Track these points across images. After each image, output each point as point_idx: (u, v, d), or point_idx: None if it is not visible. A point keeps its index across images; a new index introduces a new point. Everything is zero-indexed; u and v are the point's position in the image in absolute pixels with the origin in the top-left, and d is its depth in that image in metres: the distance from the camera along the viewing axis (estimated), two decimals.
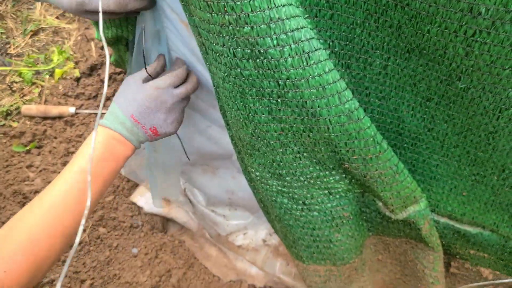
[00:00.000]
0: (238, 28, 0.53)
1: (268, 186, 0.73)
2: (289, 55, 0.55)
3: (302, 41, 0.55)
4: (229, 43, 0.55)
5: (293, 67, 0.56)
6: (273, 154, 0.67)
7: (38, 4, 2.31)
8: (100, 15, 0.64)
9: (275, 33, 0.53)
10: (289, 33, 0.54)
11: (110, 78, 1.53)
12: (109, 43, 0.97)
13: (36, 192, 1.21)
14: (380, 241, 0.86)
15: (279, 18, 0.53)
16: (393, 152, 0.67)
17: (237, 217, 1.07)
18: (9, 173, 1.26)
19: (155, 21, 0.75)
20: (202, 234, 1.13)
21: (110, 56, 1.16)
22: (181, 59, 0.78)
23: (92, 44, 1.73)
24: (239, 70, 0.58)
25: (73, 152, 1.31)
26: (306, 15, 0.60)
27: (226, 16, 0.53)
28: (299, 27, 0.55)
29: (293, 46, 0.55)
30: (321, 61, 0.56)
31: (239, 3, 0.51)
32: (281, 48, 0.54)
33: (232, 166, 0.97)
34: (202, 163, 1.00)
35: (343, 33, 0.61)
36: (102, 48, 1.67)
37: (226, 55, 0.57)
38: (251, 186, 0.82)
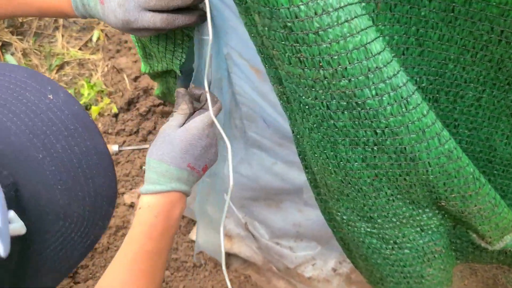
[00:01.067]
0: (334, 82, 0.51)
1: (356, 229, 0.70)
2: (388, 103, 0.52)
3: (400, 87, 0.52)
4: (322, 97, 0.53)
5: (392, 114, 0.53)
6: (364, 199, 0.64)
7: (59, 37, 2.31)
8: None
9: (373, 83, 0.50)
10: (387, 81, 0.51)
11: (149, 111, 1.51)
12: (156, 76, 0.95)
13: None
14: (467, 267, 0.83)
15: (376, 67, 0.50)
16: (490, 185, 0.63)
17: (303, 248, 1.05)
18: None
19: (218, 69, 0.72)
20: (268, 268, 1.11)
21: (155, 89, 1.14)
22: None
23: (125, 75, 1.72)
24: (332, 122, 0.55)
25: (123, 193, 1.30)
26: (393, 55, 0.57)
27: (321, 71, 0.50)
28: (395, 72, 0.52)
29: (391, 93, 0.51)
30: (419, 104, 0.53)
31: (336, 57, 0.48)
32: (379, 98, 0.51)
33: (298, 199, 0.95)
34: (266, 198, 0.98)
35: (433, 69, 0.58)
36: (135, 79, 1.65)
37: (318, 108, 0.54)
38: (331, 225, 0.79)
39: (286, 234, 1.03)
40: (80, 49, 2.21)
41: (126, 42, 2.04)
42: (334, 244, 1.04)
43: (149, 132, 1.48)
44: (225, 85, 0.74)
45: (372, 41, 0.49)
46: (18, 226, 0.36)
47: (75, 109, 0.42)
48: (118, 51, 2.05)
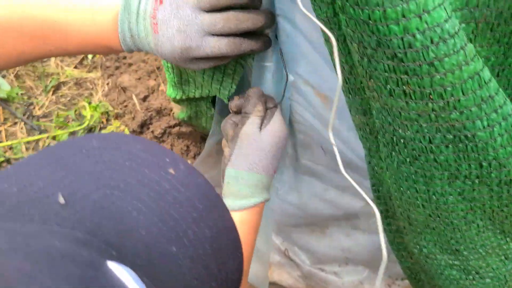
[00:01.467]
0: (443, 115, 0.45)
1: (435, 261, 0.65)
2: (498, 134, 0.47)
3: (510, 115, 0.47)
4: (426, 130, 0.48)
5: (501, 146, 0.48)
6: (453, 232, 0.59)
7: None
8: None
9: (485, 113, 0.46)
10: (498, 110, 0.46)
11: (164, 132, 1.44)
12: (185, 100, 0.87)
13: None
14: None
15: (489, 96, 0.45)
16: None
17: (350, 272, 1.00)
18: None
19: (276, 96, 0.67)
20: None
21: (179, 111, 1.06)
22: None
23: (133, 95, 1.64)
24: (432, 156, 0.50)
25: None
26: None
27: (430, 104, 0.45)
28: (504, 100, 0.47)
29: (502, 123, 0.47)
30: None
31: (449, 88, 0.43)
32: (491, 129, 0.46)
33: (345, 224, 0.90)
34: (309, 224, 0.92)
35: None
36: (144, 99, 1.58)
37: (417, 141, 0.49)
38: (398, 255, 0.74)
39: (330, 259, 0.97)
40: (75, 67, 2.11)
41: (125, 58, 1.95)
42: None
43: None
44: (285, 113, 0.68)
45: (483, 68, 0.44)
46: None
47: (199, 182, 0.36)
48: (117, 67, 1.96)
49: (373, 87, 0.48)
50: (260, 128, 0.63)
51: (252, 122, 0.63)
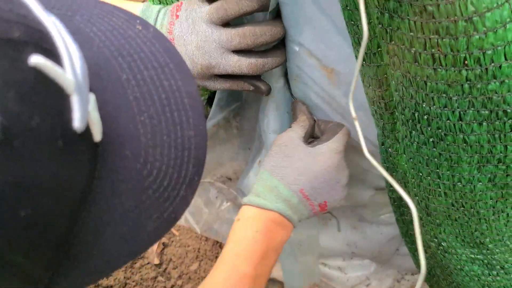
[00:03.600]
0: (479, 86, 0.38)
1: (455, 256, 0.58)
2: None
3: None
4: (456, 105, 0.40)
5: None
6: (478, 223, 0.52)
7: None
8: None
9: None
10: None
11: None
12: None
13: (109, 275, 1.02)
14: None
15: None
16: None
17: (355, 267, 0.93)
18: None
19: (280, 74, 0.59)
20: None
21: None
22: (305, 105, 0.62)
23: None
24: (461, 135, 0.42)
25: None
26: None
27: (464, 72, 0.37)
28: None
29: None
30: None
31: (490, 52, 0.36)
32: None
33: (352, 214, 0.82)
34: None
35: None
36: None
37: (444, 118, 0.42)
38: (412, 248, 0.67)
39: (334, 253, 0.90)
40: None
41: None
42: (393, 262, 0.92)
43: None
44: (286, 91, 0.60)
45: None
46: (95, 116, 0.27)
47: (167, 45, 0.33)
48: None
49: (393, 51, 0.40)
50: (305, 140, 0.59)
51: (292, 130, 0.60)
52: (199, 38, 0.53)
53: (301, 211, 0.58)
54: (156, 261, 1.05)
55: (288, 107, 0.66)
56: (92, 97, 0.27)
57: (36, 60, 0.23)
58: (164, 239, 1.08)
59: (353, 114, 0.33)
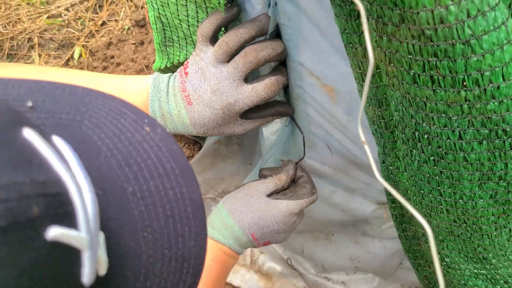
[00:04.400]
0: (478, 106, 0.38)
1: (459, 271, 0.58)
2: None
3: None
4: (456, 124, 0.40)
5: None
6: (481, 239, 0.52)
7: (36, 56, 2.13)
8: None
9: None
10: None
11: None
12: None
13: None
14: None
15: None
16: None
17: (359, 281, 0.92)
18: None
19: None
20: None
21: None
22: (291, 162, 0.67)
23: None
24: (461, 154, 0.43)
25: None
26: None
27: (463, 92, 0.38)
28: None
29: None
30: None
31: (488, 73, 0.36)
32: None
33: (354, 230, 0.82)
34: (313, 230, 0.85)
35: None
36: None
37: (444, 137, 0.42)
38: (415, 263, 0.67)
39: (337, 267, 0.90)
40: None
41: (112, 57, 1.88)
42: (396, 276, 0.92)
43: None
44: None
45: None
46: (103, 257, 0.27)
47: (173, 149, 0.33)
48: (105, 68, 1.88)
49: (392, 73, 0.40)
50: (270, 194, 0.64)
51: (266, 183, 0.65)
52: (212, 82, 0.54)
53: (247, 246, 0.67)
54: None
55: (286, 120, 0.67)
56: (101, 237, 0.27)
57: (54, 233, 0.23)
58: None
59: (363, 138, 0.34)
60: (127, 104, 0.34)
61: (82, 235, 0.25)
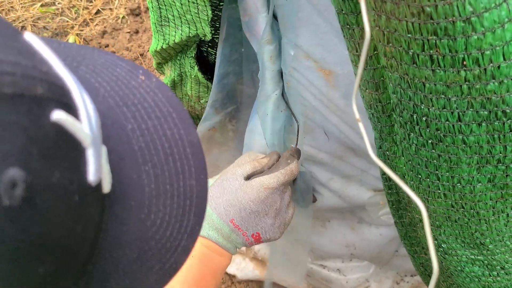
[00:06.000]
0: (478, 86, 0.38)
1: (455, 257, 0.58)
2: None
3: None
4: (455, 106, 0.40)
5: None
6: (478, 224, 0.52)
7: None
8: None
9: None
10: None
11: None
12: (168, 58, 0.78)
13: None
14: None
15: None
16: None
17: (354, 269, 0.92)
18: None
19: (274, 79, 0.58)
20: None
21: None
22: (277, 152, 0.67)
23: None
24: (460, 136, 0.42)
25: None
26: None
27: (463, 72, 0.37)
28: None
29: None
30: None
31: (488, 52, 0.35)
32: None
33: (351, 216, 0.82)
34: None
35: None
36: None
37: (443, 119, 0.41)
38: (411, 250, 0.67)
39: (333, 255, 0.90)
40: None
41: (107, 46, 1.86)
42: (392, 263, 0.92)
43: None
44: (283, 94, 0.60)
45: None
46: (106, 168, 0.28)
47: (169, 95, 0.34)
48: None
49: (391, 54, 0.40)
50: (248, 177, 0.64)
51: (242, 166, 0.64)
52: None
53: (234, 240, 0.63)
54: None
55: (281, 106, 0.66)
56: (104, 149, 0.28)
57: (59, 116, 0.24)
58: None
59: (357, 115, 0.33)
60: (122, 58, 0.35)
61: (85, 130, 0.25)
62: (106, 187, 0.28)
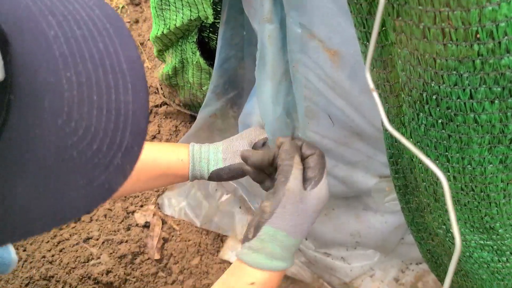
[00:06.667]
0: (491, 61, 0.36)
1: (464, 243, 0.57)
2: None
3: None
4: (466, 82, 0.38)
5: None
6: (488, 208, 0.50)
7: None
8: None
9: None
10: None
11: (150, 112, 1.33)
12: (169, 44, 0.76)
13: (109, 272, 1.00)
14: None
15: None
16: None
17: (359, 257, 0.91)
18: (65, 254, 1.05)
19: (280, 60, 0.57)
20: (319, 285, 0.96)
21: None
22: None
23: None
24: (472, 115, 0.41)
25: (133, 212, 1.11)
26: None
27: (476, 46, 0.35)
28: None
29: None
30: None
31: (503, 24, 0.34)
32: None
33: (356, 203, 0.81)
34: None
35: None
36: None
37: (454, 97, 0.40)
38: (418, 236, 0.66)
39: (337, 243, 0.89)
40: None
41: None
42: (397, 251, 0.91)
43: (153, 137, 1.30)
44: (289, 77, 0.58)
45: None
46: None
47: (109, 12, 0.32)
48: None
49: (400, 28, 0.38)
50: (304, 186, 0.59)
51: (296, 177, 0.58)
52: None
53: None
54: (157, 256, 1.03)
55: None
56: None
57: None
58: (164, 234, 1.06)
59: (371, 85, 0.32)
60: None
61: None
62: None
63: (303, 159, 0.60)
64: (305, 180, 0.59)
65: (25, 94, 0.28)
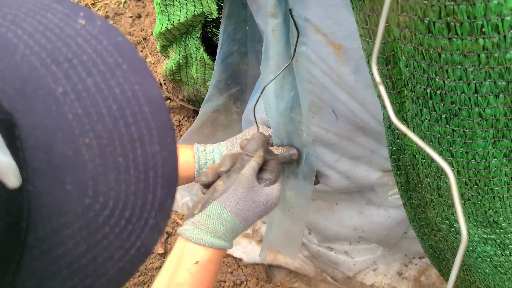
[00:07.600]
0: (496, 55, 0.36)
1: (468, 237, 0.57)
2: None
3: None
4: (472, 76, 0.38)
5: None
6: (492, 202, 0.51)
7: None
8: None
9: None
10: None
11: None
12: (173, 40, 0.76)
13: None
14: None
15: None
16: None
17: (362, 251, 0.91)
18: None
19: (284, 54, 0.57)
20: (322, 278, 0.97)
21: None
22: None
23: None
24: (476, 109, 0.41)
25: None
26: None
27: (481, 40, 0.35)
28: None
29: None
30: None
31: (509, 18, 0.34)
32: None
33: (359, 198, 0.81)
34: (315, 198, 0.83)
35: None
36: None
37: (459, 92, 0.40)
38: (420, 232, 0.66)
39: (341, 237, 0.89)
40: None
41: None
42: (400, 245, 0.91)
43: None
44: (292, 72, 0.58)
45: None
46: (5, 161, 0.22)
47: (118, 41, 0.27)
48: None
49: (404, 23, 0.38)
50: (259, 181, 0.63)
51: (252, 166, 0.63)
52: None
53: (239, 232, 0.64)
54: (160, 251, 1.04)
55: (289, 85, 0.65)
56: None
57: None
58: (168, 229, 1.06)
59: (377, 78, 0.32)
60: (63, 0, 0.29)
61: None
62: (11, 181, 0.23)
63: (264, 161, 0.64)
64: (261, 179, 0.64)
65: (41, 181, 0.24)
